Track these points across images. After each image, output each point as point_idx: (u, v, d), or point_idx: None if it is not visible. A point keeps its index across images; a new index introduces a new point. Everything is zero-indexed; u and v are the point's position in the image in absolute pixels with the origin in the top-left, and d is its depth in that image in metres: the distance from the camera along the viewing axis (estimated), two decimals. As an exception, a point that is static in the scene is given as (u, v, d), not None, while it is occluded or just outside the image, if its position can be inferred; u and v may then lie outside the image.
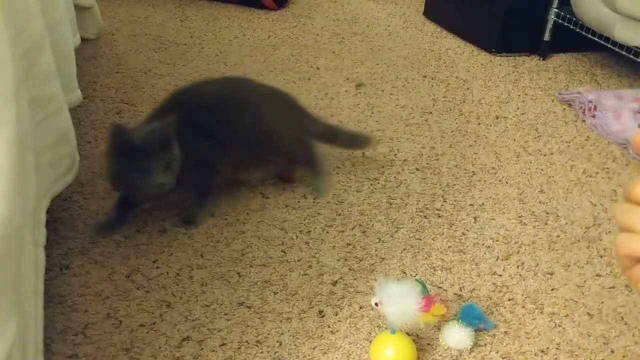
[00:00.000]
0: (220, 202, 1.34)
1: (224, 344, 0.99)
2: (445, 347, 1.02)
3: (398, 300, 0.93)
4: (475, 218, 1.36)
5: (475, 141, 1.69)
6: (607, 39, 2.04)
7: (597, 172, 1.58)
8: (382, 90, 1.95)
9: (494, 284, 1.17)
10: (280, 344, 1.00)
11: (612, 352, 1.04)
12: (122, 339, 0.99)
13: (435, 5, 2.64)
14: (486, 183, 1.50)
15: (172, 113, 1.15)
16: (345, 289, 1.13)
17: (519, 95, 2.00)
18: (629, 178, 1.56)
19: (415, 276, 1.17)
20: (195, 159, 1.20)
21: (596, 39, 2.10)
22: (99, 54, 2.05)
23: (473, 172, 1.54)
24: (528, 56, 2.33)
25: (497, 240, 1.29)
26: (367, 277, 1.16)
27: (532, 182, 1.51)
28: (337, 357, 0.99)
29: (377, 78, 2.04)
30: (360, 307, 1.09)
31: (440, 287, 1.15)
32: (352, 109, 1.81)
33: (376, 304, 0.95)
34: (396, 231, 1.30)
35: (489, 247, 1.27)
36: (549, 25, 2.26)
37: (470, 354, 1.01)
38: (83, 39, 1.87)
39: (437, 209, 1.38)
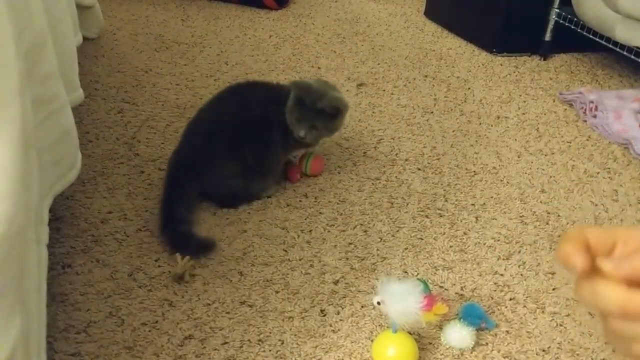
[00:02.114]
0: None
1: (226, 343, 0.99)
2: (447, 346, 1.02)
3: (400, 299, 0.93)
4: (476, 218, 1.36)
5: (476, 141, 1.69)
6: (608, 39, 2.04)
7: (599, 172, 1.58)
8: (384, 90, 1.95)
9: (495, 283, 1.17)
10: (282, 343, 1.00)
11: (614, 351, 1.04)
12: (125, 338, 0.99)
13: (436, 5, 2.65)
14: (487, 183, 1.50)
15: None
16: (347, 288, 1.13)
17: (520, 95, 2.00)
18: (629, 178, 1.56)
19: (416, 275, 1.18)
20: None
21: (597, 39, 2.10)
22: (100, 53, 2.05)
23: (474, 171, 1.54)
24: (529, 56, 2.33)
25: (498, 240, 1.30)
26: (369, 276, 1.16)
27: (533, 182, 1.52)
28: (339, 356, 0.99)
29: (378, 78, 2.04)
30: (362, 306, 1.09)
31: (442, 287, 1.15)
32: (354, 109, 1.81)
33: (378, 303, 0.95)
34: (397, 230, 1.30)
35: (490, 246, 1.27)
36: (550, 26, 2.26)
37: (471, 353, 1.01)
38: (84, 38, 1.88)
39: (439, 209, 1.39)
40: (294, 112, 1.32)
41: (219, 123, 1.32)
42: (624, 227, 0.45)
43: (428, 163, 1.57)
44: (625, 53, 2.00)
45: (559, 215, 1.39)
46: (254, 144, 1.31)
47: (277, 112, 1.33)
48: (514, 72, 2.18)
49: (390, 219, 1.34)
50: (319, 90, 1.33)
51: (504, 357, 1.01)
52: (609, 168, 1.60)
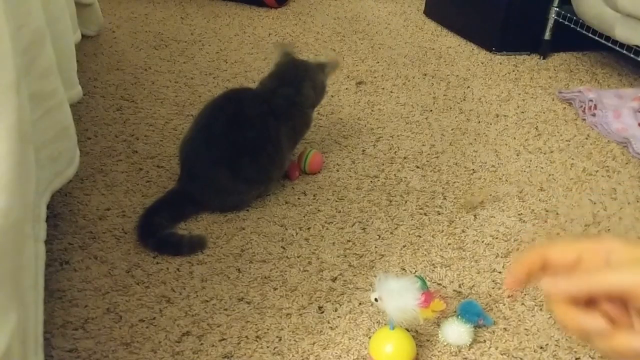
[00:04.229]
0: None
1: (223, 339, 0.99)
2: (445, 343, 1.02)
3: (397, 296, 0.93)
4: (475, 215, 1.36)
5: (475, 139, 1.69)
6: (608, 38, 2.04)
7: (597, 171, 1.58)
8: (383, 88, 1.95)
9: (493, 280, 1.17)
10: (280, 340, 1.00)
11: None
12: (122, 334, 0.99)
13: (435, 3, 2.64)
14: (486, 181, 1.50)
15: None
16: (344, 285, 1.13)
17: (519, 94, 2.00)
18: (628, 177, 1.56)
19: (414, 273, 1.17)
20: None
21: (597, 38, 2.10)
22: (99, 50, 2.05)
23: (473, 169, 1.54)
24: (528, 55, 2.33)
25: (496, 238, 1.30)
26: (367, 273, 1.16)
27: (532, 180, 1.52)
28: (336, 353, 0.99)
29: (377, 76, 2.04)
30: (360, 303, 1.09)
31: (440, 284, 1.15)
32: (353, 107, 1.81)
33: (376, 300, 0.95)
34: (396, 228, 1.30)
35: (488, 244, 1.27)
36: (550, 24, 2.26)
37: (469, 350, 1.01)
38: (83, 36, 1.88)
39: (437, 207, 1.38)
40: (312, 80, 1.41)
41: (218, 149, 1.26)
42: (592, 240, 0.46)
43: (427, 161, 1.56)
44: (625, 52, 2.00)
45: (557, 214, 1.39)
46: (258, 162, 1.29)
47: (274, 125, 1.31)
48: (514, 71, 2.17)
49: (389, 216, 1.34)
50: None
51: (502, 354, 1.01)
52: (607, 166, 1.60)
